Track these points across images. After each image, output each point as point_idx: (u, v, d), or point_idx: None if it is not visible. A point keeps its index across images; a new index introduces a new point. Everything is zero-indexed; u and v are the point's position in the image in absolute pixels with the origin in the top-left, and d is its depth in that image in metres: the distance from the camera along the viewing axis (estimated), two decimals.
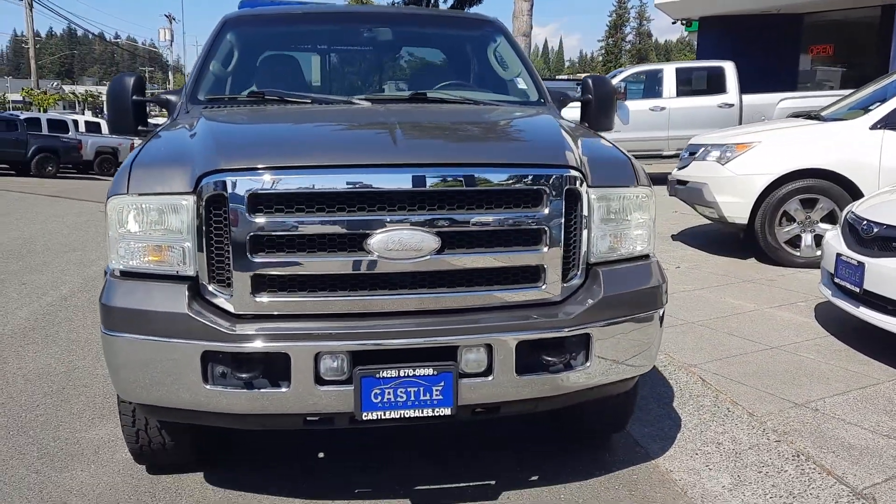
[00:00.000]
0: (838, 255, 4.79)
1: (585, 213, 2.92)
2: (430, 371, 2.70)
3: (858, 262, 4.52)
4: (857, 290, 4.53)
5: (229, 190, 2.64)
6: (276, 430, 3.92)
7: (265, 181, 2.64)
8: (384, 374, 2.68)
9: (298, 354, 2.63)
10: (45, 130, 26.05)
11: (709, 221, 9.23)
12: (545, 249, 2.84)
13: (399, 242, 2.68)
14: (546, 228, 2.82)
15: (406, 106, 3.83)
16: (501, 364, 2.76)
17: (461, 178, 2.75)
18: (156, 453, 3.28)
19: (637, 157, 11.75)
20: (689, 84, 14.64)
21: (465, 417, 2.89)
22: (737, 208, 7.23)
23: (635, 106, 14.23)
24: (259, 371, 2.68)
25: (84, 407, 4.15)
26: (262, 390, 2.68)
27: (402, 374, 2.69)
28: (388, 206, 2.70)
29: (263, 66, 4.46)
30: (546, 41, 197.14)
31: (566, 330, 2.83)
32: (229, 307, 2.70)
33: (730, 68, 14.26)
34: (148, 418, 3.15)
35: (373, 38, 4.60)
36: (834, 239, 5.00)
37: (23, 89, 56.42)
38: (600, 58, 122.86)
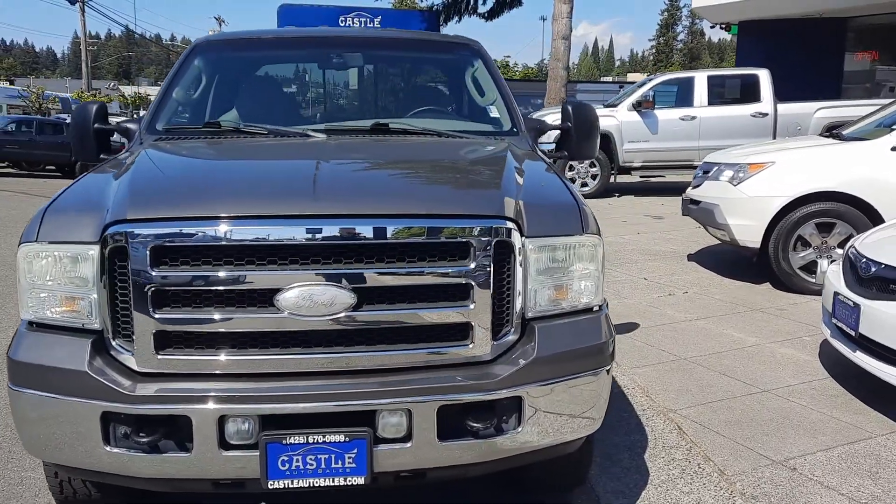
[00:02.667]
0: (835, 293, 4.48)
1: (520, 265, 2.72)
2: (341, 438, 2.54)
3: (855, 303, 4.21)
4: (853, 333, 4.22)
5: (131, 241, 2.51)
6: None
7: (168, 233, 2.51)
8: (292, 441, 2.52)
9: (200, 418, 2.49)
10: None
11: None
12: (471, 306, 2.65)
13: (310, 299, 2.52)
14: (472, 283, 2.63)
15: (357, 140, 3.69)
16: (421, 430, 2.58)
17: (377, 231, 2.58)
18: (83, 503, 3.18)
19: (666, 168, 11.36)
20: (721, 92, 14.19)
21: (387, 484, 2.72)
22: (749, 232, 6.90)
23: (664, 115, 13.84)
24: (161, 434, 2.54)
25: None
26: (165, 454, 2.54)
27: (310, 440, 2.53)
28: (300, 260, 2.55)
29: (228, 94, 4.35)
30: (596, 40, 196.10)
31: (493, 393, 2.64)
32: (132, 364, 2.57)
33: (764, 76, 13.76)
34: None
35: (344, 63, 4.46)
36: (834, 275, 4.69)
37: (78, 90, 57.98)
38: (651, 57, 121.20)
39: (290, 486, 2.55)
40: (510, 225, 2.70)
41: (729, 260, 8.18)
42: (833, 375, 4.76)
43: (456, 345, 2.68)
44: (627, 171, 14.15)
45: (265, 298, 2.53)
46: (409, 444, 2.59)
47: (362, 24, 28.99)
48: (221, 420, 2.50)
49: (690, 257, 8.52)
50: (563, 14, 21.41)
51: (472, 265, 2.63)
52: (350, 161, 3.28)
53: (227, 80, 4.41)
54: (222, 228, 2.53)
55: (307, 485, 2.56)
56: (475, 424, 2.65)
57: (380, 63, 4.59)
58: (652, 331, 5.69)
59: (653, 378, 4.73)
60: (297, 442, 2.52)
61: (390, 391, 2.58)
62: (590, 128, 4.18)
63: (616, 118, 13.82)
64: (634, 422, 4.17)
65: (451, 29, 27.30)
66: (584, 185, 14.02)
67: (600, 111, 14.61)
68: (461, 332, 2.68)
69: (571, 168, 13.91)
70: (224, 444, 2.52)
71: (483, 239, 2.64)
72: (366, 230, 2.57)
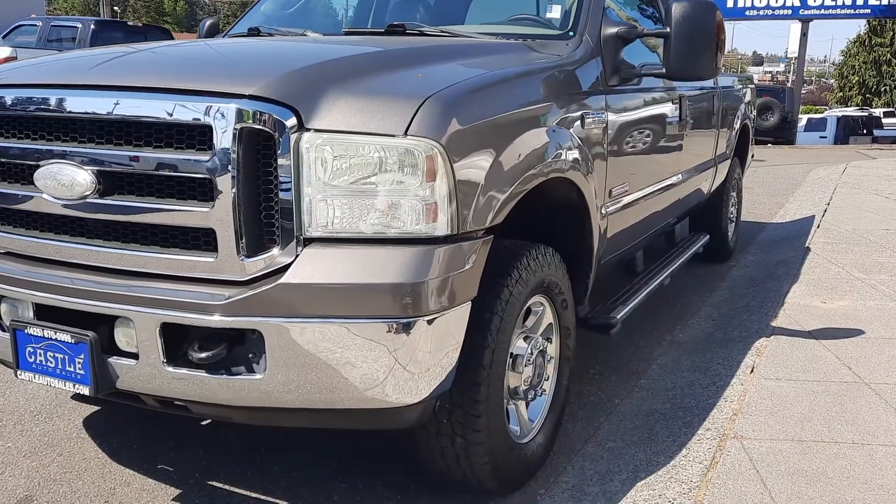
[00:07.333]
0: None
1: (293, 165, 2.10)
2: (68, 337, 2.29)
3: None
4: None
5: None
6: None
7: None
8: (34, 331, 2.36)
9: None
10: None
11: None
12: (209, 209, 2.15)
13: (54, 179, 2.34)
14: (213, 180, 2.12)
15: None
16: (146, 348, 2.21)
17: (109, 104, 2.26)
18: None
19: None
20: None
21: (153, 406, 2.39)
22: None
23: None
24: None
25: None
26: None
27: (47, 334, 2.33)
28: (60, 134, 2.37)
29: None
30: None
31: (215, 319, 2.10)
32: None
33: None
34: None
35: None
36: None
37: None
38: None
39: (34, 380, 2.39)
40: (271, 109, 2.10)
41: None
42: None
43: (202, 255, 2.22)
44: None
45: (25, 175, 2.41)
46: (135, 363, 2.23)
47: None
48: None
49: None
50: None
51: (211, 157, 2.12)
52: (223, 49, 3.01)
53: None
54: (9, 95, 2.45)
55: (46, 383, 2.36)
56: (198, 355, 2.15)
57: None
58: (869, 344, 3.96)
59: (770, 394, 3.30)
60: (37, 334, 2.35)
61: (118, 295, 2.24)
62: (694, 33, 3.13)
63: None
64: (683, 437, 2.97)
65: None
66: None
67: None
68: (207, 239, 2.19)
69: None
70: None
71: (223, 124, 2.10)
72: (101, 104, 2.27)
